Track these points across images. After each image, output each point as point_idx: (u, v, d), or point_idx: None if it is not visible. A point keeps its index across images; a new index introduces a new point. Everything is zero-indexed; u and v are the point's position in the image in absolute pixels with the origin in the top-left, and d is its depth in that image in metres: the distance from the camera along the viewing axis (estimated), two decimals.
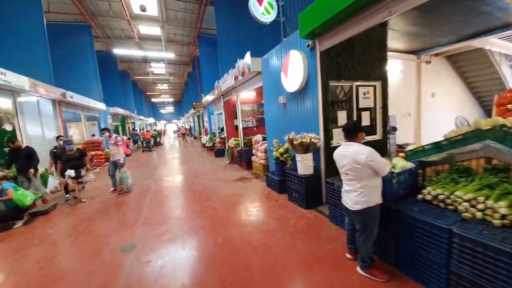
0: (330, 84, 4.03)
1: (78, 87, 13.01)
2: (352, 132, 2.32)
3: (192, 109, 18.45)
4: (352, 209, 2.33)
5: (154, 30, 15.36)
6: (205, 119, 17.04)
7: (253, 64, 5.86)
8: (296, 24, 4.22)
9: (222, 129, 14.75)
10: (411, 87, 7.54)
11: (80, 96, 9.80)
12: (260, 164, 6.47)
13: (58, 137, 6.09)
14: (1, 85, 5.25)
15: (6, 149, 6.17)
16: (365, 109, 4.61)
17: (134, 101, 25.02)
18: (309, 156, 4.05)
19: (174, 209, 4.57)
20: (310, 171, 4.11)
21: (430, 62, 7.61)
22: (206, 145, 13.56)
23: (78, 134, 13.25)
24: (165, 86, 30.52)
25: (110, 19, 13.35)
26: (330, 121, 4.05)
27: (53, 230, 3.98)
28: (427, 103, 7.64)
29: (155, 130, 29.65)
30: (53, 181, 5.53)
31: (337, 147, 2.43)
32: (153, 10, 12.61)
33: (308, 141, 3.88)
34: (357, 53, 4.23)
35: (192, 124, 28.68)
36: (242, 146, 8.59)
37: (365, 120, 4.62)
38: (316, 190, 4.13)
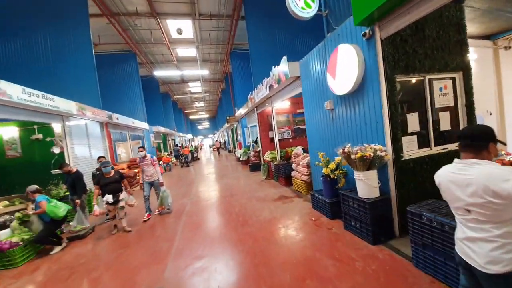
0: (397, 79, 3.09)
1: (125, 109, 14.00)
2: (480, 141, 1.40)
3: (226, 123, 18.48)
4: (484, 270, 1.36)
5: (190, 51, 15.99)
6: (239, 132, 16.84)
7: (291, 69, 5.18)
8: (343, 14, 3.46)
9: (256, 142, 14.25)
10: (489, 79, 5.98)
11: (125, 117, 10.29)
12: (302, 180, 5.59)
13: (99, 158, 6.08)
14: (51, 110, 5.48)
15: (55, 171, 6.48)
16: (443, 109, 3.50)
17: (174, 119, 26.42)
18: (373, 174, 3.08)
19: (209, 239, 3.95)
20: (375, 193, 3.12)
21: (510, 47, 6.00)
22: (241, 159, 13.13)
23: (124, 152, 14.08)
24: (201, 104, 31.86)
25: (152, 46, 14.27)
26: (399, 128, 3.07)
27: (84, 259, 3.68)
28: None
29: (191, 145, 30.85)
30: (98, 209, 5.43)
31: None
32: (189, 32, 13.10)
33: (372, 154, 2.94)
34: (429, 38, 3.23)
35: (226, 138, 29.07)
36: (279, 160, 7.83)
37: (445, 123, 3.49)
38: (385, 219, 3.10)
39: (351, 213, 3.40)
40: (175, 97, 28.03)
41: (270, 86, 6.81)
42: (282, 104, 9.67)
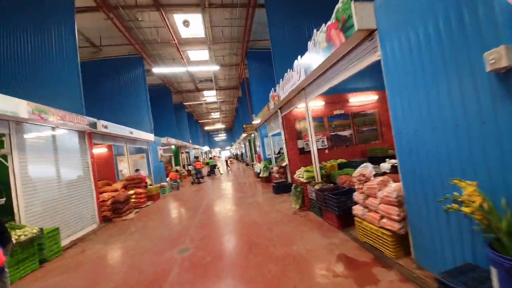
0: None
1: (129, 119, 12.25)
2: None
3: (243, 133, 16.23)
4: None
5: (203, 54, 14.24)
6: (257, 143, 14.42)
7: (359, 15, 2.69)
8: None
9: (279, 154, 11.71)
10: None
11: (119, 126, 8.34)
12: (386, 229, 2.90)
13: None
14: None
15: None
16: None
17: (189, 131, 24.80)
18: None
19: None
20: None
21: None
22: (261, 175, 10.59)
23: (126, 168, 12.17)
24: (217, 115, 30.23)
25: (159, 48, 12.67)
26: None
27: None
28: None
29: (210, 158, 28.83)
30: None
31: None
32: (199, 29, 11.30)
33: None
34: None
35: (243, 149, 26.81)
36: (321, 180, 5.21)
37: None
38: None
39: None
40: (191, 109, 26.63)
41: (306, 69, 4.36)
42: (313, 104, 7.22)
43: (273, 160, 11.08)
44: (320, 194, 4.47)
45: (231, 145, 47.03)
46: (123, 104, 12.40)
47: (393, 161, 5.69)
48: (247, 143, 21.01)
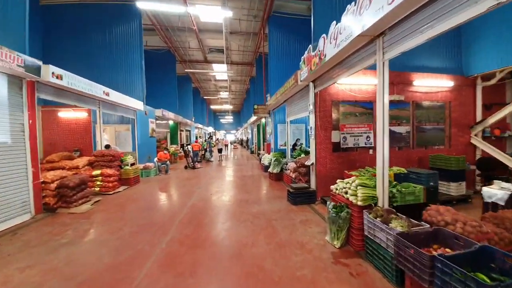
0: None
1: (116, 79, 10.00)
2: None
3: (253, 116, 13.84)
4: None
5: (215, 12, 11.46)
6: (268, 129, 12.00)
7: None
8: None
9: (294, 147, 9.34)
10: None
11: (86, 80, 6.04)
12: None
13: None
14: None
15: None
16: None
17: (193, 108, 22.45)
18: None
19: None
20: None
21: None
22: (270, 171, 8.28)
23: (107, 140, 10.00)
24: (226, 95, 27.61)
25: None
26: None
27: None
28: None
29: (212, 139, 26.54)
30: None
31: None
32: None
33: None
34: None
35: (250, 135, 24.44)
36: (387, 205, 2.88)
37: None
38: None
39: None
40: (197, 82, 24.02)
41: None
42: (358, 79, 4.81)
43: (288, 153, 8.73)
44: (405, 249, 2.14)
45: (237, 129, 44.67)
46: (110, 62, 10.06)
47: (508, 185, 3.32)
48: (255, 129, 18.62)
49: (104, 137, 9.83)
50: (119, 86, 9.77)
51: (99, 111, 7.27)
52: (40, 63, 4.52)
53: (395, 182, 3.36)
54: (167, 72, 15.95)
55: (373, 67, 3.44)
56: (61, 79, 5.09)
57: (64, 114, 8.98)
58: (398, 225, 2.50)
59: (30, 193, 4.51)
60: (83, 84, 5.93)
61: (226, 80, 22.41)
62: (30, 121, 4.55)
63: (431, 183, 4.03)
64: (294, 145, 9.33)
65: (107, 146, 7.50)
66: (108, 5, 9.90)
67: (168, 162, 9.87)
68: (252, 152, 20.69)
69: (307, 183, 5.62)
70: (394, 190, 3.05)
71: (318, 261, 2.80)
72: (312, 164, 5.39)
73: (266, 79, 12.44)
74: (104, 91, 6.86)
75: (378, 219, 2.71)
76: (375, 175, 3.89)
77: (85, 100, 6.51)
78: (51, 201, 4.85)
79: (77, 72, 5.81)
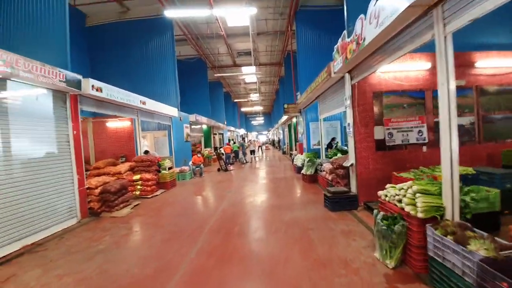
0: None
1: (153, 90, 10.58)
2: None
3: (283, 115, 13.39)
4: None
5: (241, 14, 11.32)
6: (300, 129, 11.39)
7: None
8: None
9: (329, 146, 8.62)
10: None
11: (125, 91, 6.39)
12: None
13: None
14: None
15: None
16: None
17: (225, 112, 22.88)
18: None
19: None
20: None
21: None
22: (303, 172, 7.73)
23: (147, 146, 10.60)
24: (256, 97, 27.57)
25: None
26: None
27: None
28: None
29: (234, 142, 26.69)
30: None
31: None
32: None
33: None
34: None
35: (281, 135, 23.92)
36: (459, 219, 2.22)
37: None
38: None
39: None
40: (227, 87, 24.46)
41: None
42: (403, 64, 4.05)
43: (322, 153, 8.07)
44: (493, 283, 1.52)
45: (268, 130, 44.44)
46: (147, 74, 10.69)
47: None
48: (286, 129, 18.07)
49: (145, 143, 10.46)
50: (156, 95, 10.32)
51: (138, 119, 7.66)
52: (80, 77, 4.84)
53: (463, 186, 2.62)
54: (199, 79, 16.49)
55: (423, 49, 2.78)
56: (101, 91, 5.41)
57: (111, 124, 9.80)
58: (480, 247, 1.85)
59: (76, 199, 4.84)
60: (121, 95, 6.26)
61: (255, 82, 22.33)
62: (74, 132, 4.89)
63: (508, 185, 3.13)
64: (329, 144, 8.60)
65: (146, 152, 7.86)
66: (143, 21, 10.56)
67: (201, 165, 10.02)
68: (284, 153, 20.16)
69: (347, 187, 4.98)
70: (468, 199, 2.35)
71: (368, 286, 2.27)
72: (352, 165, 4.74)
73: (295, 78, 11.86)
74: (140, 100, 7.20)
75: (448, 237, 2.08)
76: (435, 177, 3.16)
77: (124, 110, 6.90)
78: (95, 206, 5.15)
79: (119, 85, 6.23)
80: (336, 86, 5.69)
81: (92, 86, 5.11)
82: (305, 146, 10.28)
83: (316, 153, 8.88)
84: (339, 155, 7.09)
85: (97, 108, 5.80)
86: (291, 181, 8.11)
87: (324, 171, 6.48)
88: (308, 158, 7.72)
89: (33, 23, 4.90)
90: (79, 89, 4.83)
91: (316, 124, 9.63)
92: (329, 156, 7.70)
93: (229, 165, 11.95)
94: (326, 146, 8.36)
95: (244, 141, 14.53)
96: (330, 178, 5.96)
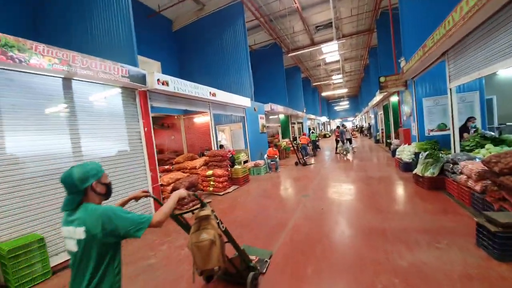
0: None
1: (225, 81, 10.35)
2: None
3: (377, 94, 10.27)
4: None
5: None
6: (406, 108, 8.12)
7: None
8: None
9: (464, 129, 5.42)
10: None
11: (192, 84, 6.02)
12: None
13: None
14: None
15: None
16: None
17: (304, 99, 20.91)
18: None
19: None
20: None
21: None
22: (418, 172, 5.08)
23: (225, 140, 10.53)
24: (339, 78, 23.75)
25: None
26: None
27: None
28: None
29: (312, 131, 23.57)
30: None
31: None
32: None
33: None
34: None
35: (372, 120, 19.48)
36: None
37: None
38: None
39: None
40: (306, 71, 22.11)
41: None
42: None
43: (453, 143, 5.06)
44: None
45: (355, 116, 38.41)
46: (223, 65, 10.52)
47: None
48: (381, 111, 14.20)
49: (223, 136, 10.44)
50: (231, 87, 10.01)
51: (210, 112, 7.34)
52: (144, 72, 4.60)
53: None
54: (274, 65, 15.41)
55: None
56: (167, 85, 5.12)
57: (197, 120, 10.27)
58: None
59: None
60: (189, 88, 5.91)
61: (338, 61, 18.92)
62: (146, 128, 4.76)
63: None
64: (463, 127, 5.42)
65: (221, 146, 7.51)
66: (217, 13, 10.36)
67: (277, 159, 8.94)
68: (377, 142, 16.23)
69: None
70: None
71: None
72: None
73: (399, 36, 8.46)
74: (210, 92, 6.75)
75: None
76: None
77: (195, 103, 6.63)
78: None
79: (201, 81, 6.07)
80: (497, 19, 2.97)
81: (158, 80, 4.84)
82: (414, 133, 7.20)
83: (436, 143, 5.90)
84: (488, 146, 4.18)
85: (168, 103, 5.64)
86: (395, 184, 5.66)
87: (463, 174, 3.85)
88: (427, 152, 5.03)
89: (106, 33, 5.09)
90: (144, 84, 4.61)
91: (434, 99, 6.44)
92: (465, 147, 4.75)
93: (308, 157, 10.29)
94: (459, 132, 5.27)
95: (345, 128, 12.12)
96: (478, 189, 3.38)
